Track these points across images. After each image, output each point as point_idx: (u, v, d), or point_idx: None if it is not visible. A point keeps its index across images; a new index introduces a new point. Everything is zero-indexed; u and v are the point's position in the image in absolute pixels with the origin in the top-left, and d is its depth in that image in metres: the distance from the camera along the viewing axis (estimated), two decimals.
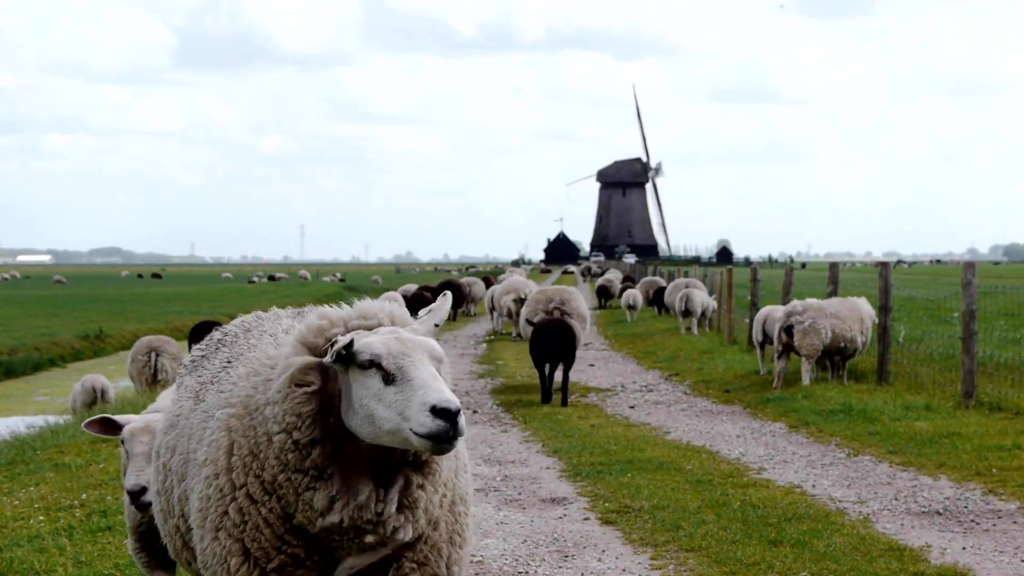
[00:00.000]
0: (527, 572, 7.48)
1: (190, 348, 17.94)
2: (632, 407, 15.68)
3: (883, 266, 17.28)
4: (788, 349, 16.33)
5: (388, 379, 3.64)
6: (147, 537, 5.72)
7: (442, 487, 3.94)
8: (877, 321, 16.46)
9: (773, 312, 17.66)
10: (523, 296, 27.09)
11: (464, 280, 44.47)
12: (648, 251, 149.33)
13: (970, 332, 13.87)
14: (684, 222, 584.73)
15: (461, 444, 3.89)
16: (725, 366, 19.98)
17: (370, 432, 3.67)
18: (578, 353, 17.04)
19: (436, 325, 4.01)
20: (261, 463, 3.84)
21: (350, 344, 3.67)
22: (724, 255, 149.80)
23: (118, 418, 5.67)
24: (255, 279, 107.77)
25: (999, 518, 8.68)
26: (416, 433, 3.55)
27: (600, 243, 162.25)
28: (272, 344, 4.21)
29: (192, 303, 55.19)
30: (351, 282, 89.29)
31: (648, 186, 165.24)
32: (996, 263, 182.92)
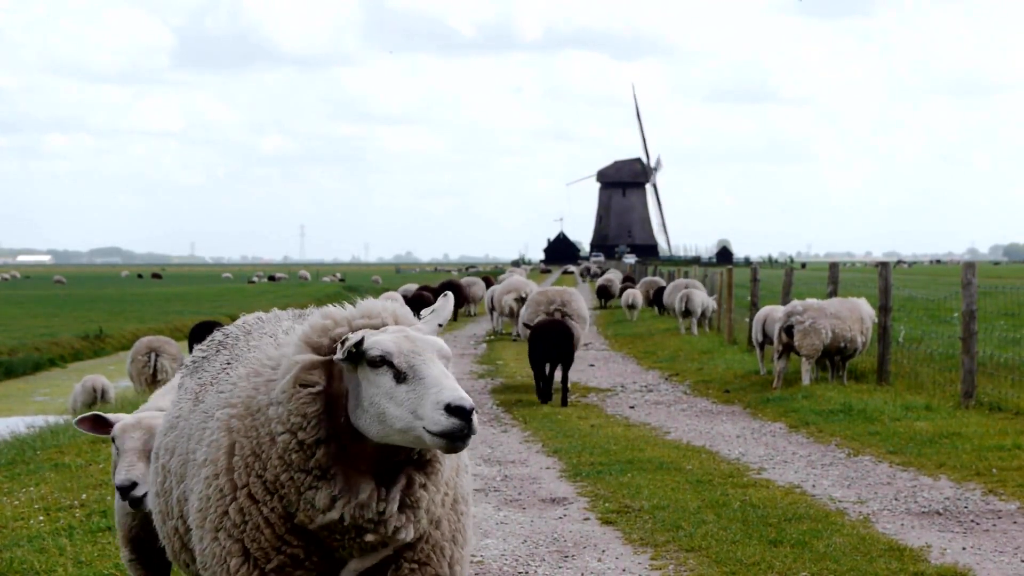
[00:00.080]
0: (527, 572, 7.48)
1: (190, 348, 17.94)
2: (632, 407, 15.68)
3: (883, 266, 17.28)
4: (788, 349, 16.33)
5: (400, 377, 3.63)
6: (140, 546, 5.64)
7: (444, 486, 3.94)
8: (877, 321, 16.47)
9: (773, 312, 17.67)
10: (524, 295, 27.10)
11: (464, 280, 44.47)
12: (648, 251, 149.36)
13: (970, 332, 13.87)
14: (684, 222, 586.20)
15: None
16: (725, 366, 19.98)
17: (380, 431, 3.66)
18: (578, 353, 17.05)
19: (440, 325, 4.01)
20: (263, 463, 3.84)
21: (360, 342, 3.67)
22: (724, 255, 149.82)
23: (109, 416, 5.60)
24: (255, 279, 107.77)
25: (999, 518, 8.68)
26: (430, 431, 3.55)
27: (600, 243, 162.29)
28: (272, 345, 4.21)
29: (192, 303, 55.19)
30: (351, 282, 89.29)
31: (648, 186, 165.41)
32: (996, 263, 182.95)
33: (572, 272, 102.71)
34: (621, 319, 35.77)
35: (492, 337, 29.72)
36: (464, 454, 4.24)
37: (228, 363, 4.46)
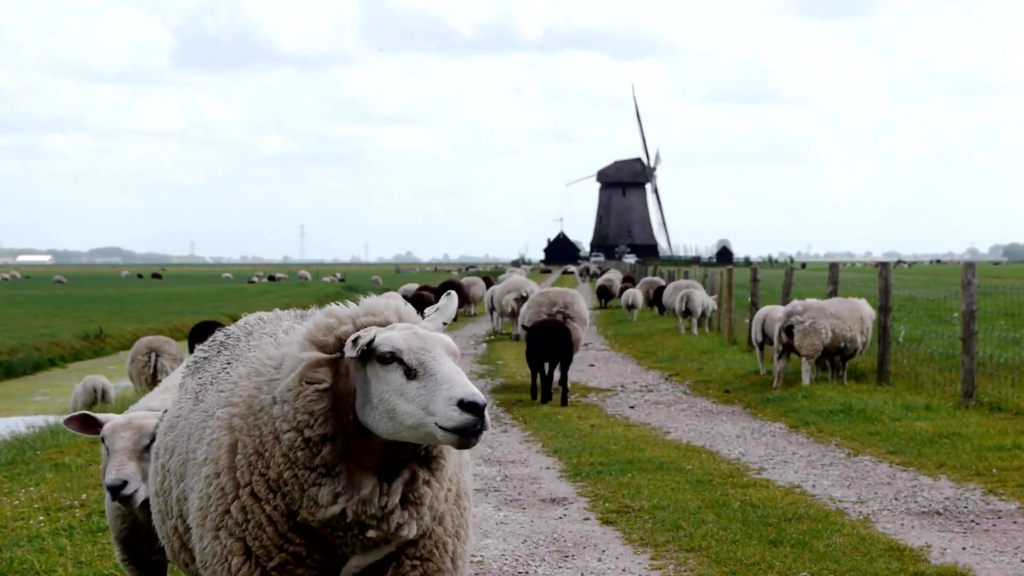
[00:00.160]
0: (527, 572, 7.48)
1: (190, 348, 17.94)
2: (632, 407, 15.68)
3: (883, 266, 17.29)
4: (788, 349, 16.34)
5: (410, 374, 3.63)
6: (132, 546, 5.63)
7: (448, 482, 3.95)
8: (877, 321, 16.47)
9: (773, 312, 17.66)
10: (524, 295, 27.10)
11: (464, 280, 44.48)
12: (648, 251, 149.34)
13: (970, 332, 13.87)
14: (684, 222, 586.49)
15: None
16: (725, 366, 19.99)
17: (389, 428, 3.66)
18: (578, 353, 17.04)
19: (444, 323, 4.01)
20: (266, 461, 3.83)
21: (372, 339, 3.68)
22: (724, 255, 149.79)
23: (98, 416, 5.56)
24: (255, 279, 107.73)
25: (999, 518, 8.68)
26: (442, 427, 3.54)
27: (600, 243, 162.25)
28: (273, 345, 4.21)
29: (192, 303, 55.17)
30: (351, 282, 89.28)
31: (648, 186, 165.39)
32: (996, 263, 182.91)
33: (572, 272, 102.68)
34: (621, 319, 35.77)
35: (492, 337, 29.72)
36: (465, 451, 4.25)
37: (229, 363, 4.45)
